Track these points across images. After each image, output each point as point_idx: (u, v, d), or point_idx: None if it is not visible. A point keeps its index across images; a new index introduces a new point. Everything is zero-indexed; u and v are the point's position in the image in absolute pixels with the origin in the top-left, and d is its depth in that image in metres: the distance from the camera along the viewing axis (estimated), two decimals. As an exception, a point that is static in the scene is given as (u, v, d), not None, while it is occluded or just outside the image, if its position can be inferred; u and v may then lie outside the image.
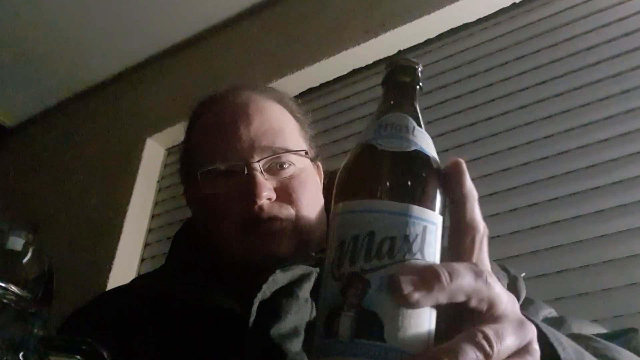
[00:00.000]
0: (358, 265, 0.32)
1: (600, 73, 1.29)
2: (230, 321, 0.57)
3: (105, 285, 1.75)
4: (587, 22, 1.37)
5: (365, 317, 0.31)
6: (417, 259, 0.32)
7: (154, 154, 2.07)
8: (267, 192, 0.64)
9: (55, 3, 2.01)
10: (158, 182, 2.05)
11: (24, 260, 0.40)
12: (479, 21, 1.54)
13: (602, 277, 1.08)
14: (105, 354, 0.39)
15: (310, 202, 0.69)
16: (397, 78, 0.40)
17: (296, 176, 0.68)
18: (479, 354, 0.31)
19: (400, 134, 0.36)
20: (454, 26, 1.57)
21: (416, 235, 0.33)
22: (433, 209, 0.34)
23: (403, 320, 0.31)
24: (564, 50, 1.36)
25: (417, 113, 0.39)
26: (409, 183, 0.35)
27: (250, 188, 0.64)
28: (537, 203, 1.23)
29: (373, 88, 1.65)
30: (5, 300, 0.36)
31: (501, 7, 1.50)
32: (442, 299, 0.32)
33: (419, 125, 0.38)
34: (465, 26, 1.56)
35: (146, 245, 1.93)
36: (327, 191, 0.76)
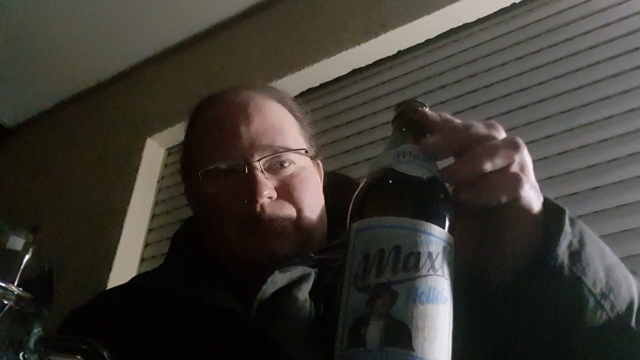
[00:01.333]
0: (385, 277, 0.34)
1: (600, 73, 1.29)
2: (229, 320, 0.57)
3: (106, 285, 1.75)
4: (587, 22, 1.37)
5: (395, 326, 0.32)
6: (439, 275, 0.35)
7: (154, 154, 2.07)
8: (268, 190, 0.64)
9: (55, 3, 2.00)
10: (158, 182, 2.05)
11: (24, 260, 0.40)
12: (479, 21, 1.54)
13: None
14: (105, 354, 0.39)
15: (311, 201, 0.69)
16: (409, 117, 0.45)
17: (297, 175, 0.68)
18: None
19: (418, 162, 0.40)
20: (454, 26, 1.57)
21: (438, 254, 0.36)
22: (450, 230, 0.38)
23: (429, 331, 0.33)
24: (564, 50, 1.36)
25: None
26: (433, 205, 0.38)
27: (251, 187, 0.64)
28: (537, 203, 1.22)
29: (373, 88, 1.65)
30: (5, 300, 0.36)
31: (501, 7, 1.50)
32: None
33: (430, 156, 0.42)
34: (465, 26, 1.56)
35: (146, 245, 1.93)
36: (326, 191, 0.76)
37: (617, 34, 1.31)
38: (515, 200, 0.41)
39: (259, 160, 0.66)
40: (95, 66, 2.27)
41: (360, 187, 0.41)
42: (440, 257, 0.35)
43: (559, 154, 1.25)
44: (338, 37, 1.69)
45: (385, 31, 1.60)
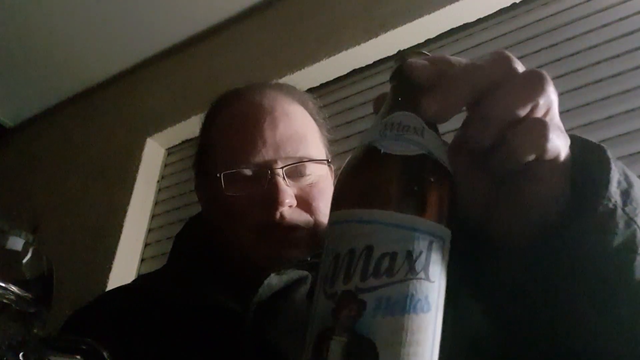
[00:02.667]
0: (353, 284, 0.28)
1: (600, 73, 1.29)
2: (230, 320, 0.58)
3: (105, 285, 1.75)
4: (587, 22, 1.37)
5: (359, 343, 0.27)
6: (420, 278, 0.29)
7: (154, 154, 2.07)
8: (289, 199, 0.64)
9: (55, 3, 2.00)
10: (158, 182, 2.05)
11: (24, 260, 0.40)
12: (479, 21, 1.54)
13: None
14: (105, 354, 0.39)
15: (327, 210, 0.67)
16: (405, 74, 0.36)
17: (316, 184, 0.68)
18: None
19: (406, 135, 0.32)
20: (454, 26, 1.57)
21: (420, 252, 0.29)
22: (441, 221, 0.31)
23: (402, 349, 0.28)
24: (564, 50, 1.36)
25: None
26: (415, 191, 0.31)
27: (272, 194, 0.63)
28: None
29: (373, 88, 1.65)
30: (5, 300, 0.36)
31: (501, 7, 1.50)
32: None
33: (430, 125, 0.34)
34: (465, 26, 1.56)
35: (146, 245, 1.93)
36: None
37: (617, 34, 1.31)
38: (549, 159, 0.34)
39: (282, 167, 0.65)
40: (95, 66, 2.27)
41: (343, 166, 0.35)
42: (423, 256, 0.29)
43: (559, 154, 1.25)
44: (338, 37, 1.69)
45: (385, 31, 1.60)
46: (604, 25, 1.34)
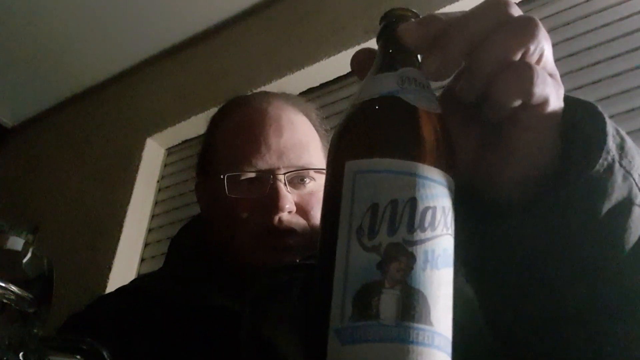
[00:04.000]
0: (400, 236, 0.28)
1: (600, 73, 1.29)
2: (227, 319, 0.59)
3: (105, 285, 1.75)
4: (587, 22, 1.37)
5: (414, 296, 0.27)
6: (449, 234, 0.30)
7: (154, 154, 2.07)
8: (288, 204, 0.65)
9: (55, 3, 2.01)
10: (158, 182, 2.05)
11: (24, 260, 0.40)
12: (479, 21, 1.54)
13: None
14: (105, 354, 0.39)
15: None
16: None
17: (315, 193, 0.69)
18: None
19: (426, 92, 0.33)
20: (454, 26, 1.57)
21: (450, 208, 0.30)
22: (457, 178, 0.32)
23: (445, 300, 0.28)
24: (564, 50, 1.36)
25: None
26: (444, 150, 0.32)
27: (273, 199, 0.65)
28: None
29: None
30: (5, 300, 0.36)
31: (501, 7, 1.50)
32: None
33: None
34: (465, 26, 1.56)
35: (146, 245, 1.93)
36: None
37: (617, 34, 1.31)
38: (538, 104, 0.33)
39: (284, 174, 0.67)
40: (95, 66, 2.27)
41: (353, 112, 0.33)
42: (451, 212, 0.30)
43: (559, 154, 1.25)
44: (338, 37, 1.70)
45: (385, 31, 1.60)
46: (604, 25, 1.34)
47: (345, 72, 1.73)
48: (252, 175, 0.68)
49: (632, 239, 0.35)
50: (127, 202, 1.92)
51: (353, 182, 0.30)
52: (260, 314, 0.58)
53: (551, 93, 0.34)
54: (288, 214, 0.66)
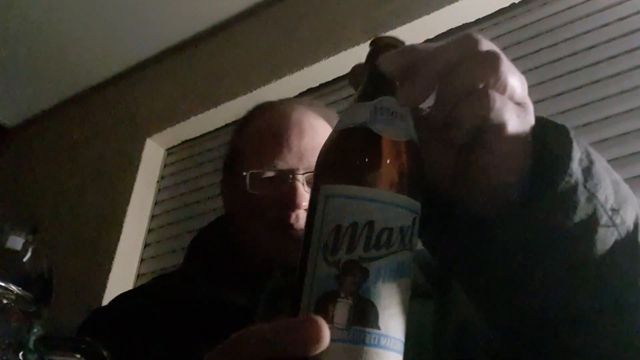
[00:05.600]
0: (356, 254, 0.32)
1: (600, 73, 1.29)
2: (241, 316, 0.61)
3: (105, 286, 1.75)
4: (587, 22, 1.37)
5: (363, 305, 0.32)
6: (407, 249, 0.34)
7: (154, 154, 2.07)
8: (305, 202, 0.69)
9: (55, 3, 2.01)
10: (158, 182, 2.05)
11: (24, 260, 0.40)
12: (478, 21, 1.54)
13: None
14: (105, 354, 0.39)
15: None
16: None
17: None
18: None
19: (396, 121, 0.36)
20: (454, 26, 1.57)
21: (408, 227, 0.34)
22: (420, 200, 0.36)
23: (395, 307, 0.33)
24: (564, 50, 1.36)
25: None
26: (406, 174, 0.35)
27: (291, 197, 0.69)
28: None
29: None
30: (5, 300, 0.36)
31: (501, 7, 1.50)
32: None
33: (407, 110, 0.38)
34: (465, 26, 1.56)
35: (146, 245, 1.93)
36: None
37: (617, 34, 1.31)
38: (495, 126, 0.37)
39: (303, 173, 0.71)
40: (95, 66, 2.27)
41: (331, 139, 0.37)
42: (409, 230, 0.34)
43: (559, 153, 1.25)
44: (338, 37, 1.69)
45: (385, 31, 1.60)
46: (604, 25, 1.34)
47: (345, 73, 1.73)
48: (273, 174, 0.72)
49: (597, 255, 0.38)
50: (127, 203, 1.92)
51: (324, 205, 0.35)
52: (272, 312, 0.60)
53: (510, 118, 0.37)
54: (304, 212, 0.69)
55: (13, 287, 0.37)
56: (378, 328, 0.32)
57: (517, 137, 0.38)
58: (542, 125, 0.41)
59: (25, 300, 0.37)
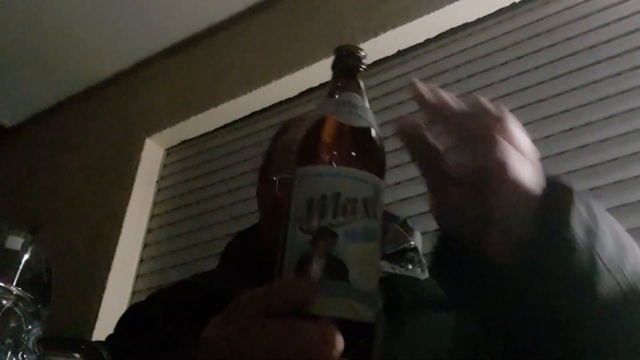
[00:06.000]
0: (326, 221, 0.38)
1: (600, 73, 1.29)
2: None
3: (105, 286, 1.75)
4: (587, 22, 1.37)
5: (334, 263, 0.37)
6: (371, 217, 0.39)
7: (154, 154, 2.07)
8: None
9: (55, 3, 2.00)
10: (157, 182, 2.05)
11: (24, 260, 0.40)
12: (478, 21, 1.54)
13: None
14: (104, 354, 0.39)
15: None
16: (348, 63, 0.49)
17: None
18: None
19: (357, 112, 0.44)
20: (453, 26, 1.57)
21: (371, 198, 0.40)
22: (382, 176, 0.42)
23: (363, 265, 0.38)
24: (564, 50, 1.36)
25: (364, 91, 0.47)
26: (367, 154, 0.42)
27: None
28: (537, 203, 1.22)
29: (372, 88, 1.65)
30: (4, 301, 0.36)
31: (501, 6, 1.50)
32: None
33: (367, 103, 0.46)
34: (465, 26, 1.56)
35: (145, 245, 1.93)
36: None
37: (617, 34, 1.31)
38: (497, 166, 0.41)
39: None
40: (95, 66, 2.27)
41: (305, 131, 0.45)
42: (372, 201, 0.40)
43: (559, 153, 1.25)
44: (338, 37, 1.69)
45: (385, 31, 1.60)
46: (604, 25, 1.34)
47: (345, 72, 1.73)
48: None
49: (601, 303, 0.41)
50: (127, 203, 1.92)
51: (298, 184, 0.41)
52: None
53: (513, 161, 0.41)
54: None
55: (13, 288, 0.37)
56: (348, 282, 0.37)
57: (519, 182, 0.42)
58: (550, 181, 0.45)
59: (24, 301, 0.37)
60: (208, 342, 0.38)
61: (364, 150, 0.42)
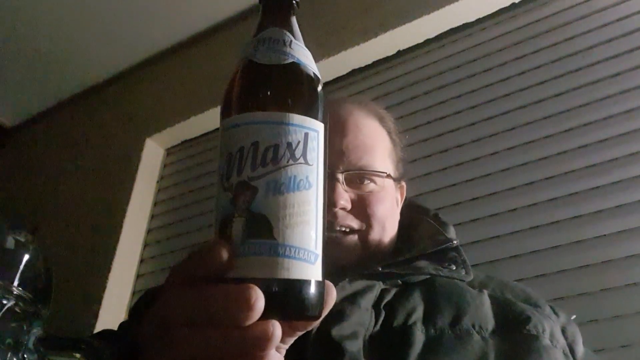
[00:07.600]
0: (245, 175, 0.34)
1: (600, 73, 1.29)
2: None
3: (105, 286, 1.75)
4: (587, 22, 1.37)
5: (255, 220, 0.34)
6: (300, 163, 0.35)
7: (154, 154, 2.07)
8: (343, 201, 0.69)
9: (56, 3, 2.00)
10: (157, 182, 2.05)
11: (24, 260, 0.40)
12: (478, 21, 1.54)
13: (601, 277, 1.09)
14: (103, 354, 0.39)
15: (383, 219, 0.73)
16: None
17: (375, 193, 0.73)
18: None
19: (277, 47, 0.38)
20: (453, 26, 1.57)
21: (298, 142, 0.35)
22: (314, 116, 0.37)
23: (291, 218, 0.34)
24: (564, 50, 1.36)
25: (295, 27, 0.41)
26: (287, 93, 0.37)
27: (328, 194, 0.70)
28: (537, 203, 1.23)
29: (373, 88, 1.65)
30: (4, 300, 0.36)
31: (501, 7, 1.50)
32: None
33: (297, 39, 0.40)
34: (465, 26, 1.56)
35: (145, 245, 1.93)
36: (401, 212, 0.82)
37: (617, 34, 1.31)
38: None
39: (342, 172, 0.71)
40: (95, 66, 2.27)
41: (227, 80, 0.40)
42: (301, 145, 0.35)
43: (559, 154, 1.25)
44: (338, 37, 1.69)
45: (385, 31, 1.60)
46: (604, 25, 1.34)
47: (345, 72, 1.73)
48: None
49: None
50: (127, 203, 1.92)
51: (221, 138, 0.37)
52: (332, 318, 0.59)
53: None
54: (343, 211, 0.69)
55: (13, 288, 0.37)
56: (274, 238, 0.33)
57: None
58: None
59: (24, 301, 0.37)
60: (152, 310, 0.36)
61: (285, 90, 0.37)
